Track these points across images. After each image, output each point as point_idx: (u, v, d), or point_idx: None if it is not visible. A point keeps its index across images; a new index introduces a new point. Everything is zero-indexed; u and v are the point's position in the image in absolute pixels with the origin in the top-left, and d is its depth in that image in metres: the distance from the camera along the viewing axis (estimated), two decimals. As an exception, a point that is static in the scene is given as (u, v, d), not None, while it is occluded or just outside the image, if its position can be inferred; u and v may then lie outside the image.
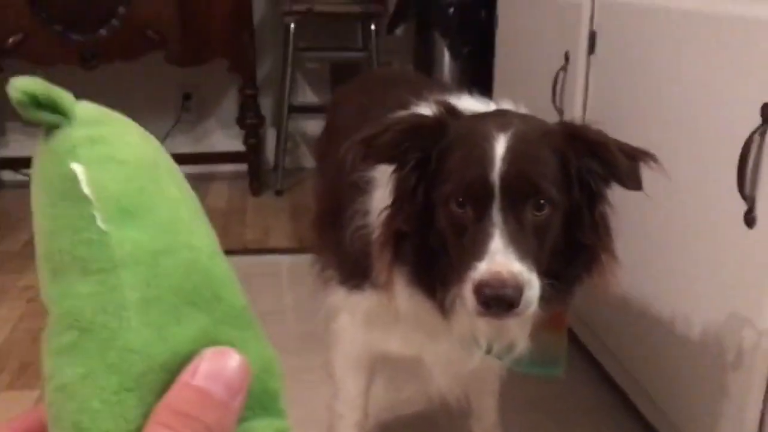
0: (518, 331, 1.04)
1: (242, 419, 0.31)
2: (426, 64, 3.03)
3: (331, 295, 1.22)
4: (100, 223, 0.29)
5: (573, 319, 1.60)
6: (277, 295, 2.26)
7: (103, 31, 2.74)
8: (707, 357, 1.18)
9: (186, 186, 0.34)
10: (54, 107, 0.30)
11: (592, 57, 1.58)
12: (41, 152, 0.31)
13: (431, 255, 0.98)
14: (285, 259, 2.46)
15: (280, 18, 3.13)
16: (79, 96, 0.32)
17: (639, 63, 1.38)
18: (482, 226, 0.89)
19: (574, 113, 1.60)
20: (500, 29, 2.28)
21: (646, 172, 0.95)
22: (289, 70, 3.11)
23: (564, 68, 1.67)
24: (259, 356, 0.33)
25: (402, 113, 1.07)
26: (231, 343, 0.31)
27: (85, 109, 0.32)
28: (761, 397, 1.07)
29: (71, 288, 0.30)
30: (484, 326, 1.02)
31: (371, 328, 1.15)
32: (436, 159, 0.96)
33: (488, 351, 1.06)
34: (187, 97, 3.34)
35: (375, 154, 0.97)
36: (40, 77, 0.30)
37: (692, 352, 1.22)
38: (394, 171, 0.99)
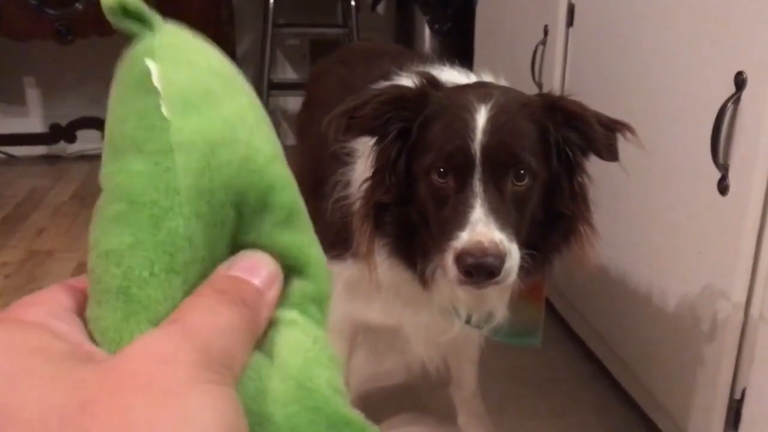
0: (497, 300, 1.06)
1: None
2: (406, 41, 3.03)
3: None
4: (163, 111, 0.30)
5: (550, 290, 1.62)
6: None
7: (78, 6, 2.69)
8: (682, 327, 1.19)
9: (260, 104, 0.35)
10: (140, 18, 0.31)
11: (570, 30, 1.59)
12: (125, 58, 0.33)
13: (412, 226, 0.99)
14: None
15: (259, -7, 3.10)
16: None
17: (616, 35, 1.38)
18: (463, 196, 0.90)
19: (553, 87, 1.60)
20: (480, 5, 2.28)
21: (623, 143, 0.96)
22: (268, 46, 3.08)
23: (543, 42, 1.67)
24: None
25: (383, 85, 1.07)
26: (274, 248, 0.34)
27: (169, 25, 0.33)
28: (732, 366, 1.09)
29: (126, 165, 0.30)
30: (463, 296, 1.04)
31: (352, 298, 1.16)
32: (417, 130, 0.96)
33: (467, 321, 1.08)
34: (165, 73, 3.29)
35: (357, 126, 0.96)
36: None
37: (668, 322, 1.24)
38: (376, 142, 0.99)
